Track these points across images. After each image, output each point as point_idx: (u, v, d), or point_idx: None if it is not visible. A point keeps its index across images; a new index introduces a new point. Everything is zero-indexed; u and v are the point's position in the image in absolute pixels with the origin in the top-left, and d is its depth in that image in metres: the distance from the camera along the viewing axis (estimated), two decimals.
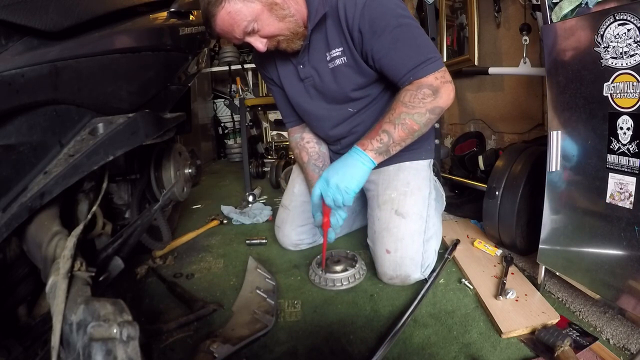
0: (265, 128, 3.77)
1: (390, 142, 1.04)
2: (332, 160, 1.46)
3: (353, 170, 1.03)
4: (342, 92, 1.18)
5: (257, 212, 1.99)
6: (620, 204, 0.85)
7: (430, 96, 1.03)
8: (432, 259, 1.22)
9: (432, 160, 1.37)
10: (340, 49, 1.11)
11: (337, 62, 1.13)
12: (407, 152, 1.22)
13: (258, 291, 1.17)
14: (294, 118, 1.40)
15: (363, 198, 1.54)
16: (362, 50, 1.09)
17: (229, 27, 0.98)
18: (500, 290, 1.09)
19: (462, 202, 1.86)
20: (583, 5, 0.90)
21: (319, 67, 1.16)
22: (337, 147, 1.38)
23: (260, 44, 1.03)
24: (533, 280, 1.16)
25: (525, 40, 1.63)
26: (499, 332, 0.96)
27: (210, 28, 1.00)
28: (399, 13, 1.05)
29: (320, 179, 1.06)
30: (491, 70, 1.75)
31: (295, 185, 1.52)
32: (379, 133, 1.04)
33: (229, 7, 0.95)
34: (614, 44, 0.81)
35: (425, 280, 1.20)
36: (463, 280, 1.21)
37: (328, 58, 1.14)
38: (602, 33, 0.83)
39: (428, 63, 1.04)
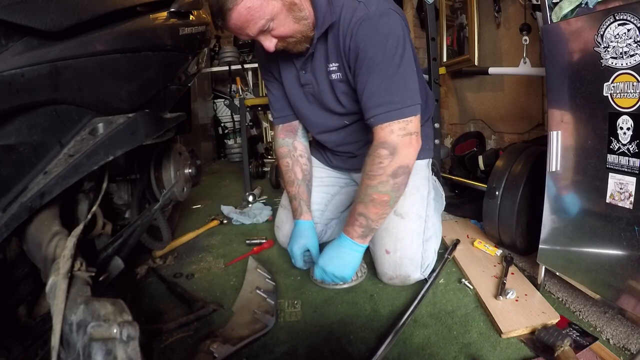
0: (265, 128, 3.76)
1: (369, 223, 1.06)
2: (321, 155, 1.45)
3: (345, 258, 1.10)
4: (338, 104, 1.17)
5: (257, 212, 1.99)
6: (620, 204, 0.85)
7: (387, 157, 1.01)
8: (431, 259, 1.22)
9: (431, 160, 1.37)
10: (337, 64, 1.09)
11: (334, 76, 1.11)
12: None
13: (258, 291, 1.17)
14: (287, 113, 1.34)
15: None
16: (351, 68, 1.07)
17: (244, 23, 0.93)
18: (500, 290, 1.09)
19: (462, 202, 1.86)
20: (583, 5, 0.90)
21: (319, 77, 1.15)
22: (328, 146, 1.37)
23: (270, 44, 1.00)
24: (533, 280, 1.16)
25: (525, 40, 1.63)
26: (499, 332, 0.96)
27: (222, 21, 0.93)
28: (388, 42, 0.99)
29: (317, 265, 1.13)
30: (491, 70, 1.75)
31: None
32: (356, 217, 1.07)
33: (249, 1, 0.91)
34: (614, 44, 0.81)
35: (425, 280, 1.20)
36: (463, 280, 1.21)
37: (327, 70, 1.12)
38: (602, 33, 0.83)
39: (392, 108, 1.00)
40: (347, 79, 1.10)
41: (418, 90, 1.05)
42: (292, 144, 1.36)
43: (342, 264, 1.10)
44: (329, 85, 1.15)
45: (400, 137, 1.01)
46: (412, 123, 1.02)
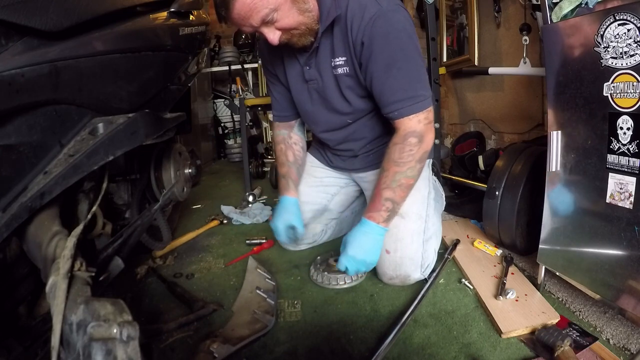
0: (265, 128, 3.76)
1: (395, 206, 1.11)
2: (322, 155, 1.47)
3: (373, 243, 1.11)
4: (342, 100, 1.17)
5: (257, 212, 1.99)
6: (620, 204, 0.85)
7: (416, 145, 1.07)
8: (432, 258, 1.22)
9: (431, 160, 1.37)
10: (344, 58, 1.10)
11: (340, 70, 1.12)
12: None
13: (258, 291, 1.17)
14: (287, 114, 1.36)
15: (362, 198, 1.54)
16: (361, 64, 1.09)
17: (247, 13, 0.93)
18: (500, 290, 1.09)
19: (462, 202, 1.86)
20: (583, 5, 0.90)
21: (323, 72, 1.15)
22: (329, 145, 1.38)
23: (274, 37, 1.00)
24: (533, 280, 1.16)
25: (525, 40, 1.63)
26: (499, 332, 0.96)
27: (226, 10, 0.94)
28: (403, 38, 1.04)
29: (345, 255, 1.11)
30: (491, 70, 1.75)
31: None
32: (382, 202, 1.09)
33: None
34: (614, 44, 0.81)
35: (425, 280, 1.20)
36: (463, 280, 1.21)
37: (332, 65, 1.13)
38: (602, 33, 0.83)
39: (416, 101, 1.06)
40: (355, 73, 1.11)
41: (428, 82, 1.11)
42: (287, 134, 1.41)
43: (370, 249, 1.11)
44: (334, 80, 1.15)
45: (425, 125, 1.08)
46: (431, 112, 1.10)
